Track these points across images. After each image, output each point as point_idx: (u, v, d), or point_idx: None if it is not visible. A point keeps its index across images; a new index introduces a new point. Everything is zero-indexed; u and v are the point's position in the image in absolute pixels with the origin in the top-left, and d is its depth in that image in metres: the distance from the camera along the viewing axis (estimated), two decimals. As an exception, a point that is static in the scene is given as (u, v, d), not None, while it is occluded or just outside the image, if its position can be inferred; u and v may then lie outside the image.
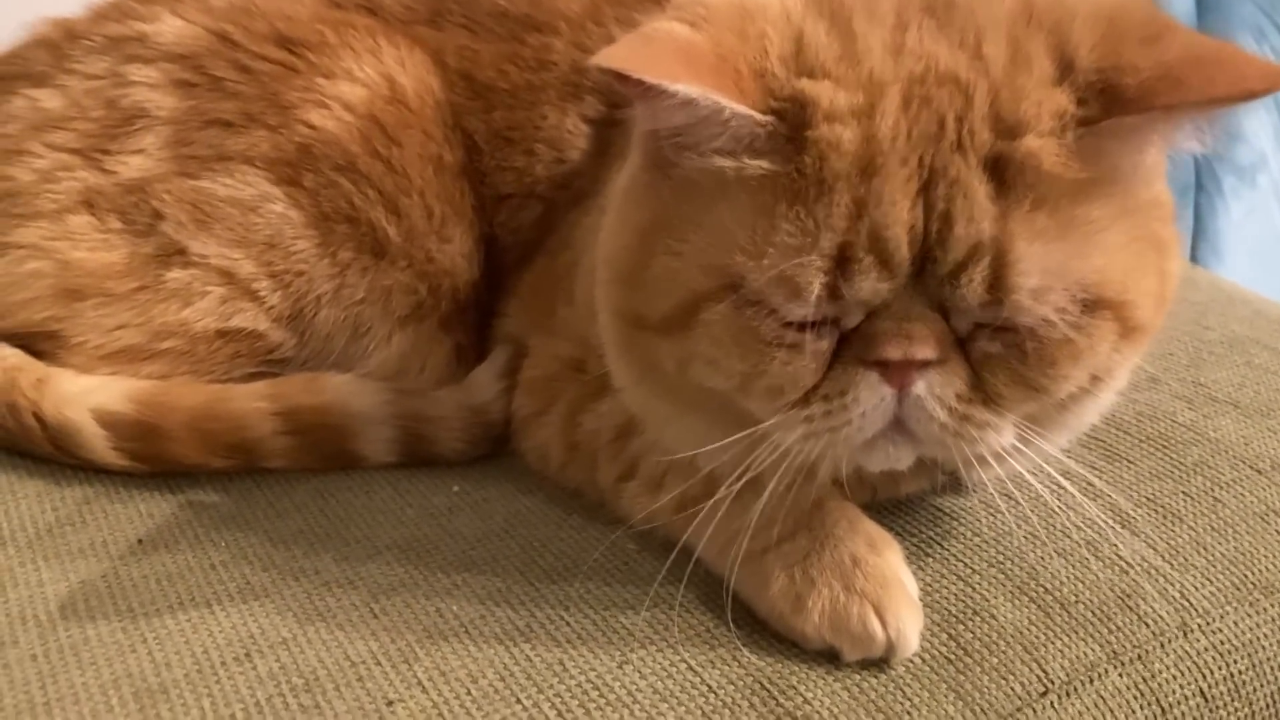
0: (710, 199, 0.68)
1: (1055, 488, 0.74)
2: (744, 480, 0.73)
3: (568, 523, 0.88)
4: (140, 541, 0.86)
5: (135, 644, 0.76)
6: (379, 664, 0.75)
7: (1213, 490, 0.89)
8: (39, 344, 0.95)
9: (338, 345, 0.97)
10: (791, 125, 0.66)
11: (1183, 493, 0.89)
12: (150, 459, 0.91)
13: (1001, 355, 0.69)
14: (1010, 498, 0.79)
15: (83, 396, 0.91)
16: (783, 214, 0.66)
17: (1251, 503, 0.89)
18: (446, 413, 0.95)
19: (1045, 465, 0.73)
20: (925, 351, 0.67)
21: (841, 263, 0.65)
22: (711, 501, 0.75)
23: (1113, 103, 0.66)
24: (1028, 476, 0.74)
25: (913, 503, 0.87)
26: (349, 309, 0.96)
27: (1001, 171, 0.65)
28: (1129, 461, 0.92)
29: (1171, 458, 0.93)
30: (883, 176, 0.65)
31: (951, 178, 0.65)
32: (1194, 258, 1.77)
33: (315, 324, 0.96)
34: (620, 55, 0.65)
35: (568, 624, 0.78)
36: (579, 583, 0.81)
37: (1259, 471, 0.91)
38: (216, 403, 0.92)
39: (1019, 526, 0.83)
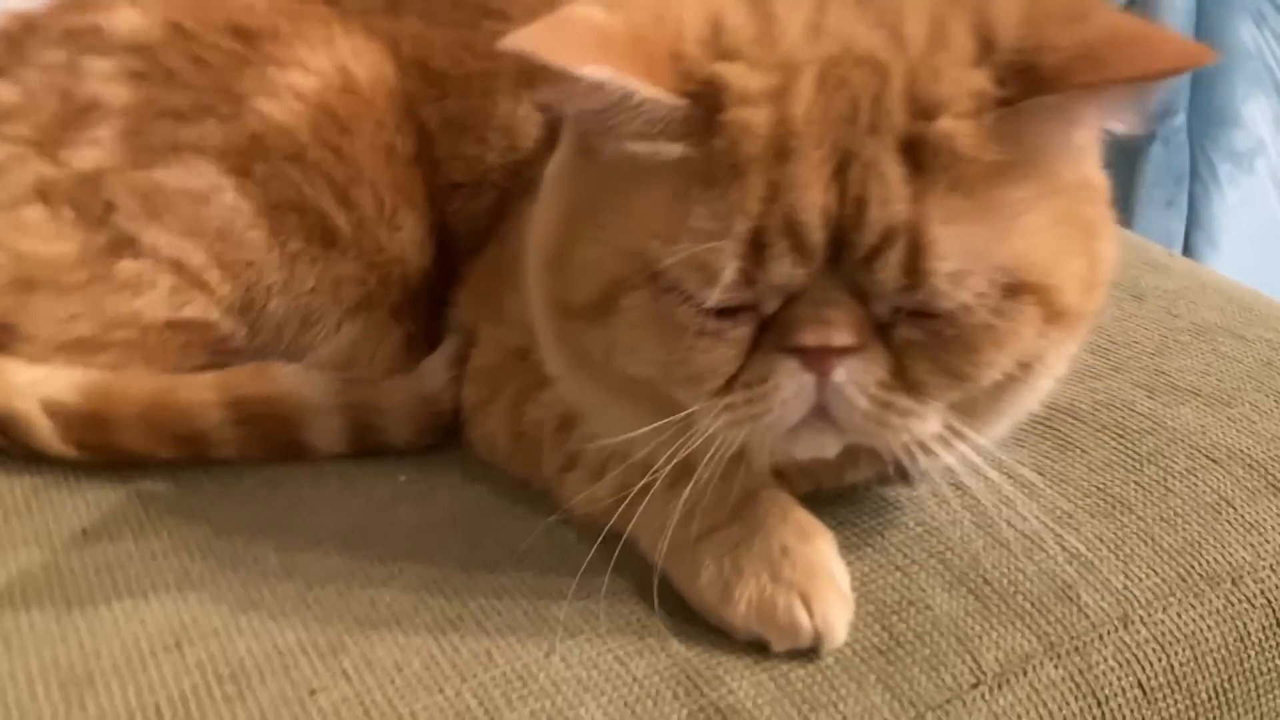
0: (628, 183, 0.68)
1: (987, 478, 0.73)
2: (672, 466, 0.73)
3: (511, 512, 0.87)
4: (84, 531, 0.87)
5: (67, 633, 0.77)
6: (306, 654, 0.75)
7: (1165, 480, 0.88)
8: (-6, 334, 0.96)
9: (288, 335, 0.97)
10: (705, 108, 0.65)
11: (1134, 482, 0.88)
12: (99, 449, 0.92)
13: (922, 341, 0.68)
14: (959, 487, 0.79)
15: (31, 387, 0.91)
16: (696, 198, 0.65)
17: (1204, 492, 0.87)
18: (396, 402, 0.95)
19: (974, 455, 0.72)
20: (843, 338, 0.66)
21: (755, 247, 0.65)
22: (640, 486, 0.74)
23: (1031, 82, 0.65)
24: (955, 466, 0.73)
25: (858, 493, 0.86)
26: (299, 299, 0.96)
27: (917, 153, 0.64)
28: (1082, 450, 0.91)
29: (1126, 447, 0.91)
30: (796, 160, 0.64)
31: (865, 160, 0.64)
32: (1188, 246, 1.75)
33: (266, 314, 0.96)
34: (530, 38, 0.64)
35: (499, 613, 0.78)
36: (514, 572, 0.81)
37: (1214, 461, 0.90)
38: (164, 393, 0.92)
39: (965, 517, 0.82)
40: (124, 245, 0.95)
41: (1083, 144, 0.70)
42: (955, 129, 0.64)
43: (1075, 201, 0.70)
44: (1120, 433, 0.93)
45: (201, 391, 0.92)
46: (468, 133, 0.99)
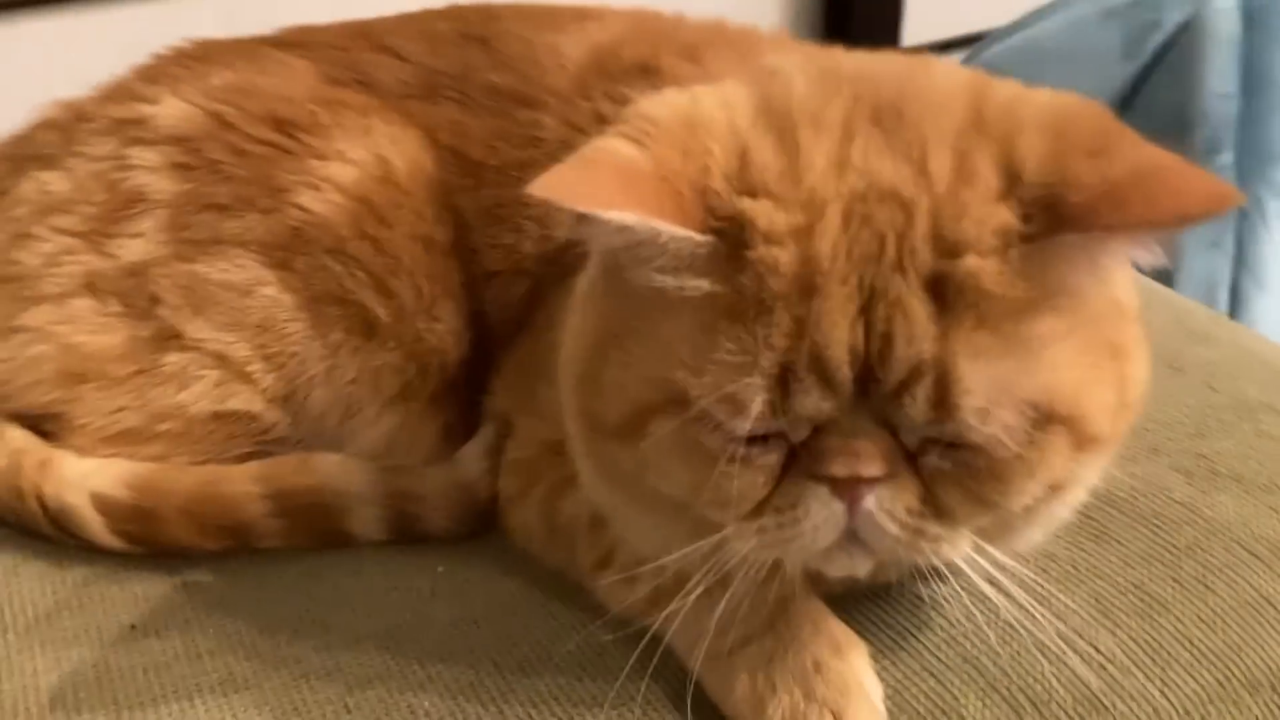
0: (655, 313, 0.69)
1: (1012, 596, 0.73)
2: (707, 582, 0.73)
3: (546, 609, 0.88)
4: (133, 627, 0.88)
5: (117, 739, 0.79)
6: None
7: (1204, 576, 0.87)
8: (44, 425, 0.98)
9: (330, 424, 0.99)
10: (731, 245, 0.66)
11: (1172, 579, 0.87)
12: (146, 541, 0.94)
13: (952, 472, 0.68)
14: (994, 583, 0.79)
15: (82, 480, 0.94)
16: (724, 331, 0.66)
17: (1244, 590, 0.86)
18: (434, 490, 0.96)
19: (998, 573, 0.72)
20: (872, 469, 0.67)
21: (784, 381, 0.65)
22: (677, 600, 0.75)
23: (1056, 220, 0.65)
24: (985, 588, 0.73)
25: (892, 590, 0.87)
26: (340, 389, 0.98)
27: (942, 290, 0.65)
28: (1118, 542, 0.90)
29: (1163, 539, 0.91)
30: (822, 297, 0.65)
31: (892, 298, 0.64)
32: (1235, 288, 1.72)
33: (308, 405, 0.98)
34: (556, 183, 0.65)
35: (535, 721, 0.79)
36: (549, 676, 0.82)
37: (1256, 556, 0.89)
38: (209, 486, 0.94)
39: (998, 617, 0.82)
40: (169, 338, 0.97)
41: (1110, 268, 0.70)
42: (981, 267, 0.64)
43: (1103, 329, 0.70)
44: (1158, 523, 0.92)
45: (245, 484, 0.94)
46: (504, 222, 1.00)
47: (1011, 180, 0.66)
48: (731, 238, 0.66)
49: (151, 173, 1.00)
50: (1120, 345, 0.71)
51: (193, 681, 0.83)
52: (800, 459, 0.68)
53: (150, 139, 1.01)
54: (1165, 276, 1.45)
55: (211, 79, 1.04)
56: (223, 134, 1.00)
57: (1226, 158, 1.76)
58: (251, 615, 0.89)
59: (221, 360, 0.97)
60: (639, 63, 1.00)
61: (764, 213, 0.66)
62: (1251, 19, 1.83)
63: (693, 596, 0.74)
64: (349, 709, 0.80)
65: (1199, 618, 0.84)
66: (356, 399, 0.98)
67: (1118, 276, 0.72)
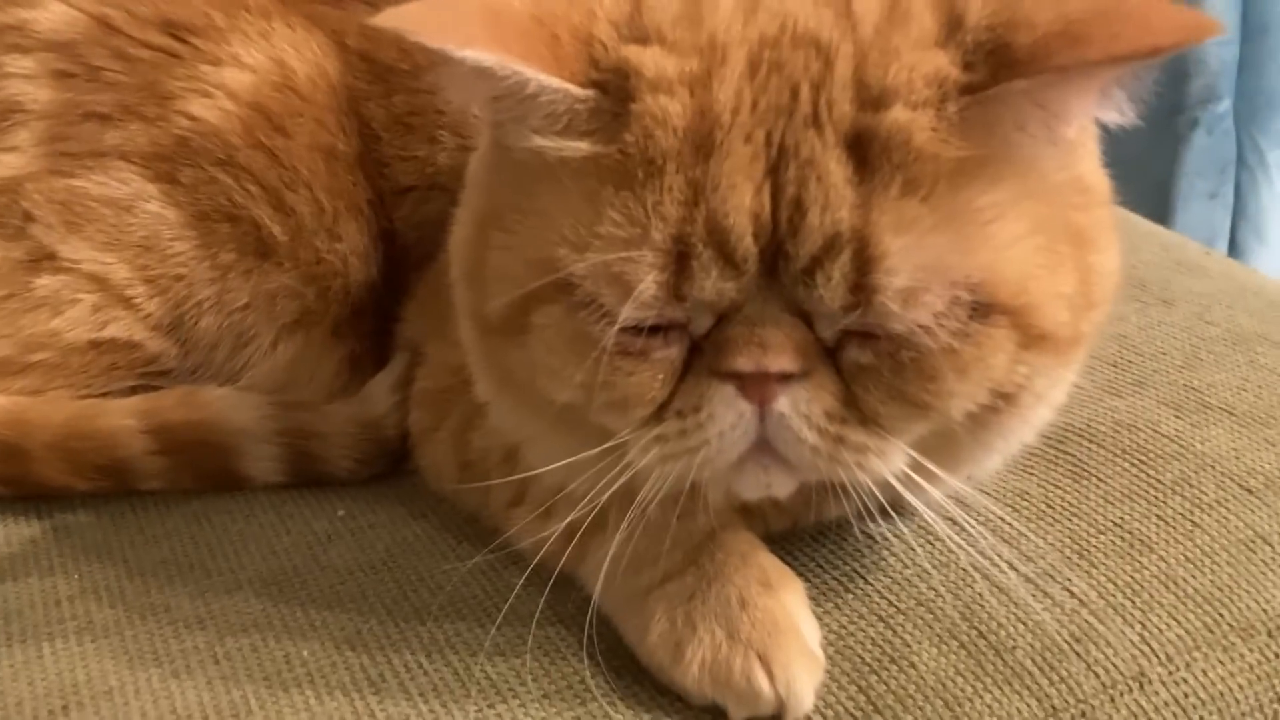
0: (535, 183, 0.60)
1: (959, 522, 0.64)
2: (623, 505, 0.64)
3: (455, 553, 0.79)
4: (-11, 573, 0.79)
5: (-52, 692, 0.70)
6: (206, 718, 0.67)
7: (1192, 513, 0.78)
8: (-94, 355, 0.89)
9: (221, 355, 0.90)
10: (615, 100, 0.57)
11: (1156, 516, 0.78)
12: (13, 482, 0.85)
13: (874, 366, 0.59)
14: (950, 519, 0.69)
15: (-57, 415, 0.85)
16: (609, 200, 0.57)
17: (1236, 528, 0.77)
18: (337, 428, 0.87)
19: (943, 497, 0.63)
20: (782, 362, 0.58)
21: (678, 258, 0.56)
22: (587, 527, 0.66)
23: (1003, 65, 0.55)
24: (926, 512, 0.63)
25: (841, 530, 0.77)
26: (232, 315, 0.89)
27: (864, 150, 0.55)
28: (1098, 479, 0.81)
29: (1148, 475, 0.81)
30: (720, 155, 0.56)
31: (804, 157, 0.55)
32: (1233, 241, 1.63)
33: (196, 332, 0.89)
34: (409, 14, 0.57)
35: (424, 672, 0.69)
36: (448, 623, 0.73)
37: (1249, 490, 0.80)
38: (83, 420, 0.85)
39: (958, 558, 0.73)
40: (42, 259, 0.88)
41: (1072, 137, 0.60)
42: (910, 121, 0.55)
43: (1061, 206, 0.60)
44: (1142, 458, 0.83)
45: (123, 418, 0.85)
46: (417, 131, 0.91)
47: (952, 23, 0.58)
48: (616, 91, 0.58)
49: (28, 80, 0.91)
50: (1083, 229, 0.62)
51: (45, 630, 0.75)
52: (703, 354, 0.59)
53: (28, 45, 0.92)
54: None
55: (100, -19, 0.95)
56: (108, 38, 0.91)
57: (1224, 106, 1.67)
58: (124, 560, 0.81)
59: (99, 283, 0.88)
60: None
61: (652, 60, 0.57)
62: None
63: (610, 526, 0.65)
64: (217, 659, 0.71)
65: (1185, 557, 0.75)
66: (250, 326, 0.89)
67: (1080, 149, 0.63)
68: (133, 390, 0.89)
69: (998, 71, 0.55)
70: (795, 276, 0.56)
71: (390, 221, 0.92)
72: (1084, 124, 0.60)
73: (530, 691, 0.67)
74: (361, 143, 0.91)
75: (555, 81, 0.56)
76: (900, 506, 0.67)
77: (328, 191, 0.89)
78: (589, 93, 0.57)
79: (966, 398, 0.59)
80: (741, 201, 0.55)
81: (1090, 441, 0.84)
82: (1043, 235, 0.59)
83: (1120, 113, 0.58)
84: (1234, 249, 1.64)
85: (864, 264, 0.55)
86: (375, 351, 0.92)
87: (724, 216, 0.55)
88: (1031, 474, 0.81)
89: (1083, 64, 0.54)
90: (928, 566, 0.74)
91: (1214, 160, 1.64)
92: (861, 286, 0.55)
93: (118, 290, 0.88)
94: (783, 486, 0.63)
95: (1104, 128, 0.63)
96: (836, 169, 0.55)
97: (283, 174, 0.89)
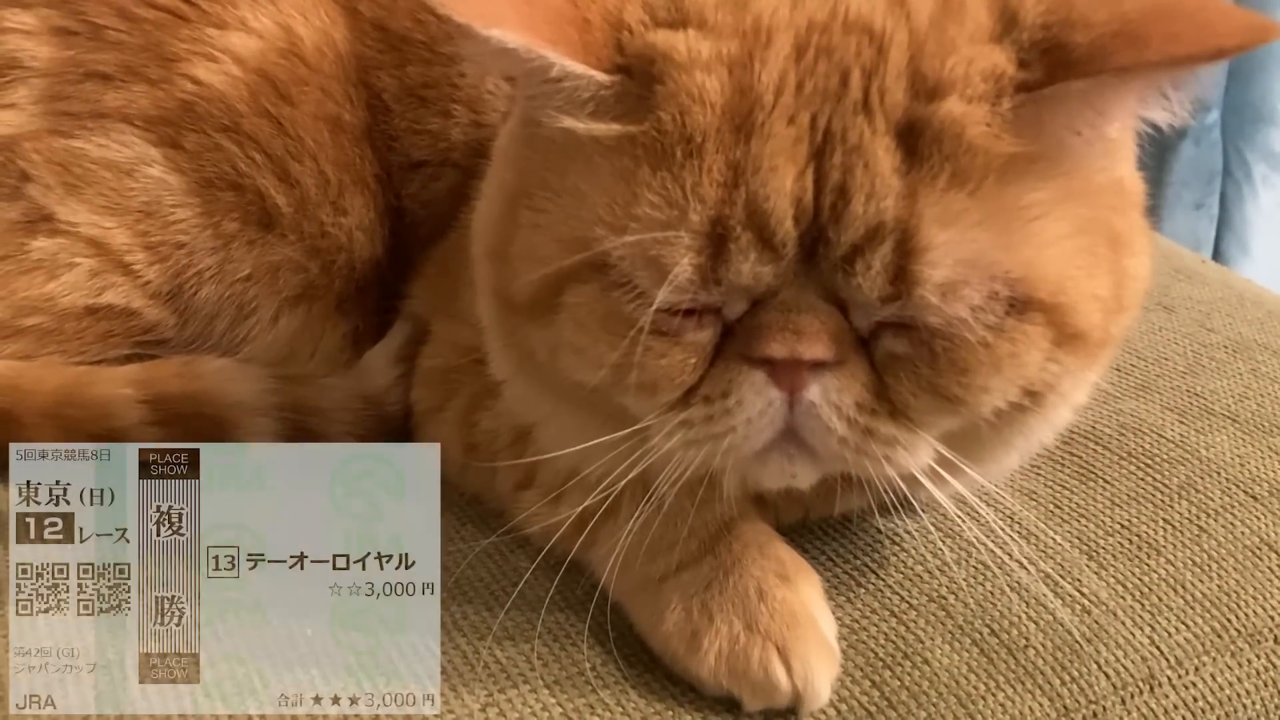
0: (568, 162, 0.59)
1: (986, 520, 0.63)
2: (636, 491, 0.63)
3: (459, 535, 0.77)
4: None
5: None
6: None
7: (1198, 518, 0.78)
8: (-102, 318, 0.86)
9: (221, 327, 0.87)
10: (641, 83, 0.56)
11: (1163, 520, 0.78)
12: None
13: (908, 357, 0.58)
14: (973, 518, 0.68)
15: (-70, 378, 0.82)
16: (645, 181, 0.56)
17: (1242, 534, 0.77)
18: (336, 403, 0.85)
19: (968, 492, 0.63)
20: (816, 350, 0.57)
21: (716, 240, 0.55)
22: (602, 513, 0.65)
23: (1059, 64, 0.54)
24: (948, 506, 0.63)
25: (853, 524, 0.77)
26: (233, 286, 0.86)
27: (915, 140, 0.54)
28: (1105, 481, 0.81)
29: (1155, 479, 0.81)
30: (762, 136, 0.55)
31: (851, 143, 0.54)
32: (1218, 251, 1.64)
33: (196, 302, 0.86)
34: None
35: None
36: (455, 607, 0.71)
37: (1254, 497, 0.80)
38: (77, 388, 0.82)
39: (973, 555, 0.72)
40: (38, 220, 0.85)
41: (1115, 141, 0.60)
42: (965, 114, 0.55)
43: (1103, 209, 0.60)
44: (1148, 462, 0.83)
45: (118, 386, 0.82)
46: (429, 105, 0.89)
47: (1008, 19, 0.57)
48: (641, 76, 0.57)
49: (28, 36, 0.88)
50: (1120, 232, 0.61)
51: None
52: (735, 339, 0.58)
53: (28, 0, 0.89)
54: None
55: (103, -63, 0.93)
56: (113, -5, 0.89)
57: (1212, 117, 1.68)
58: (116, 533, 0.78)
59: (98, 247, 0.85)
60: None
61: (684, 43, 0.56)
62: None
63: (623, 512, 0.64)
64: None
65: (1193, 561, 0.75)
66: (251, 298, 0.87)
67: (1122, 150, 0.62)
68: (127, 359, 0.86)
69: (1054, 71, 0.55)
70: (834, 264, 0.55)
71: (398, 198, 0.90)
72: (1125, 124, 0.60)
73: (540, 677, 0.66)
74: (370, 115, 0.89)
75: (579, 67, 0.56)
76: (914, 501, 0.67)
77: (333, 164, 0.87)
78: (614, 78, 0.56)
79: (998, 393, 0.59)
80: (783, 184, 0.54)
81: (1096, 444, 0.84)
82: (1084, 236, 0.58)
83: (1173, 114, 0.57)
84: (1218, 260, 1.65)
85: (906, 255, 0.54)
86: (380, 329, 0.89)
87: (764, 199, 0.54)
88: (1039, 475, 0.81)
89: (1142, 65, 0.54)
90: (940, 562, 0.73)
91: (1200, 171, 1.65)
92: (901, 277, 0.55)
93: (117, 256, 0.85)
94: (806, 477, 0.62)
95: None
96: (885, 157, 0.54)
97: (288, 144, 0.86)
